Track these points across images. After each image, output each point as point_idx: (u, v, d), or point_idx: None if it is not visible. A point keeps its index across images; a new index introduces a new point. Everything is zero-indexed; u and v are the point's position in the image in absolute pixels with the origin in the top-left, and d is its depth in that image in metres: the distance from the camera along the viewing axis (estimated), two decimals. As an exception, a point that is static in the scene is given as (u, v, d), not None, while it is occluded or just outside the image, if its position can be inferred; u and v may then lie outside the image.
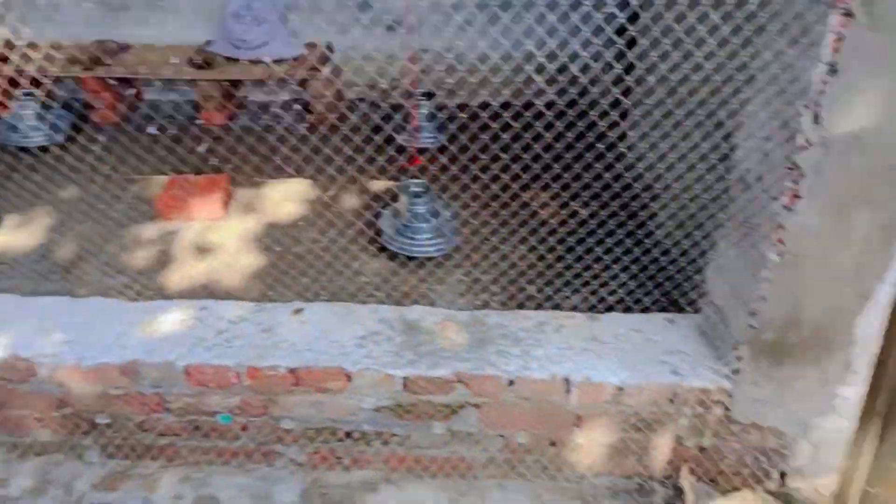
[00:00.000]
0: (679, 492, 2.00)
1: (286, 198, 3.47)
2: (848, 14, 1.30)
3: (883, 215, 1.50)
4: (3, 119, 3.90)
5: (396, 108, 4.09)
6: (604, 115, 2.47)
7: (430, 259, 2.93)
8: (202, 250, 3.07)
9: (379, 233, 3.01)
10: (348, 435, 2.04)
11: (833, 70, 1.36)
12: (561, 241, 2.87)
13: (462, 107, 4.22)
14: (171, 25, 4.55)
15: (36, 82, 4.29)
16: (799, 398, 1.81)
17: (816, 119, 1.43)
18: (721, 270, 1.90)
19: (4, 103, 4.17)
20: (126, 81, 4.43)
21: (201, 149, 3.72)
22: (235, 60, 4.24)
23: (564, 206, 3.21)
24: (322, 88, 4.17)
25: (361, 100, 4.51)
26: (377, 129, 3.78)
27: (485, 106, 3.82)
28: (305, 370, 1.94)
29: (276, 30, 4.29)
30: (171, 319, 2.09)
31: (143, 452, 2.11)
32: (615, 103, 4.04)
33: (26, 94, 3.84)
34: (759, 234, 1.67)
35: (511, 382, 1.89)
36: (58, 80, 4.43)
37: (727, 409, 1.88)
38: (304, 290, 2.78)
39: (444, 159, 2.92)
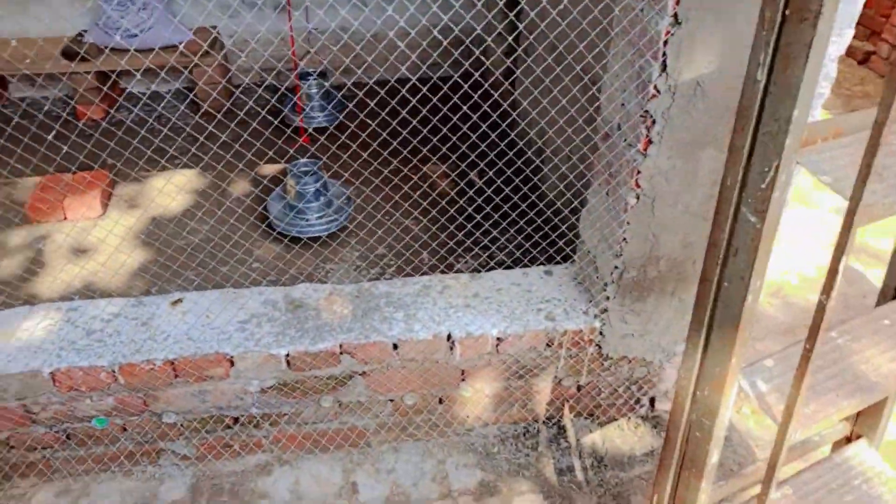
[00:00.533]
0: (562, 430, 2.06)
1: (172, 190, 3.31)
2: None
3: (725, 154, 1.55)
4: None
5: (291, 90, 3.97)
6: (497, 85, 2.48)
7: (319, 238, 2.86)
8: (78, 252, 2.90)
9: (267, 216, 2.92)
10: (236, 421, 1.98)
11: (676, 21, 1.39)
12: (457, 209, 2.86)
13: (359, 85, 4.14)
14: (47, 15, 4.24)
15: None
16: (661, 329, 1.91)
17: (664, 68, 1.46)
18: (591, 219, 1.93)
19: None
20: (-8, 79, 4.12)
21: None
22: (116, 50, 4.00)
23: (462, 175, 3.21)
24: (214, 74, 3.99)
25: (252, 82, 4.36)
26: (273, 114, 3.67)
27: (382, 83, 3.76)
28: (184, 360, 1.85)
29: (159, 15, 4.07)
30: (35, 325, 1.95)
31: (10, 472, 1.97)
32: (507, 73, 4.07)
33: None
34: (620, 180, 1.71)
35: (395, 346, 1.88)
36: None
37: (599, 346, 1.94)
38: (189, 283, 2.67)
39: (341, 138, 2.85)
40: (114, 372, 1.84)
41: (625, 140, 1.68)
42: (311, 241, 2.86)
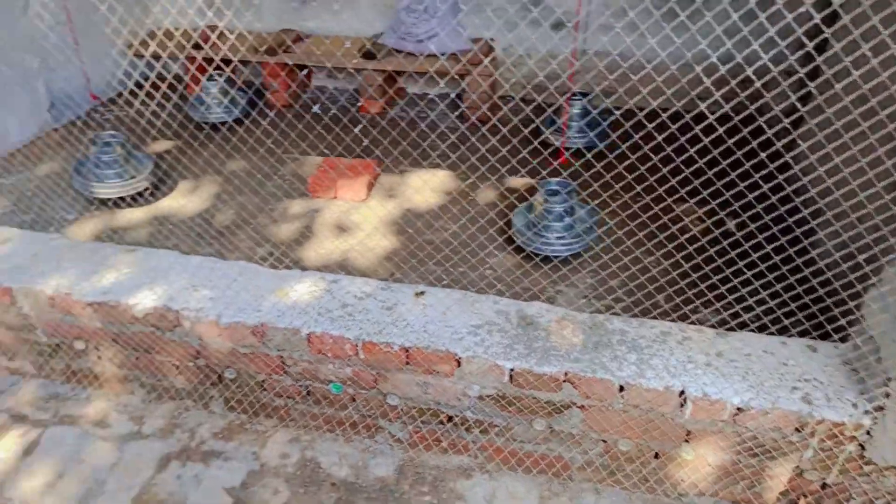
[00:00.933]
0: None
1: (427, 186, 3.55)
2: None
3: None
4: (192, 96, 4.36)
5: (552, 105, 4.04)
6: (774, 122, 2.25)
7: (558, 258, 2.85)
8: (341, 229, 3.23)
9: (510, 227, 2.98)
10: (450, 419, 2.04)
11: None
12: (705, 258, 2.66)
13: (622, 109, 4.07)
14: (349, 18, 4.84)
15: (226, 64, 4.78)
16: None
17: None
18: (883, 299, 1.65)
19: (196, 82, 4.67)
20: (300, 67, 4.79)
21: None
22: (402, 52, 4.42)
23: (718, 223, 2.98)
24: (480, 82, 4.21)
25: (520, 98, 4.51)
26: (529, 126, 3.76)
27: (643, 108, 3.66)
28: (418, 350, 1.96)
29: (444, 23, 4.40)
30: (303, 289, 2.20)
31: (259, 410, 2.26)
32: (790, 110, 3.68)
33: (215, 74, 4.27)
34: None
35: (622, 388, 1.79)
36: (243, 63, 4.89)
37: (862, 447, 1.64)
38: (429, 274, 2.83)
39: (593, 159, 2.82)
40: (357, 346, 2.00)
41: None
42: (547, 259, 2.86)
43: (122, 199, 3.42)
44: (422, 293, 2.17)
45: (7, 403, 2.39)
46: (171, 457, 2.17)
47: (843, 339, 1.84)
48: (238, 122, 4.34)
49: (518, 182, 3.57)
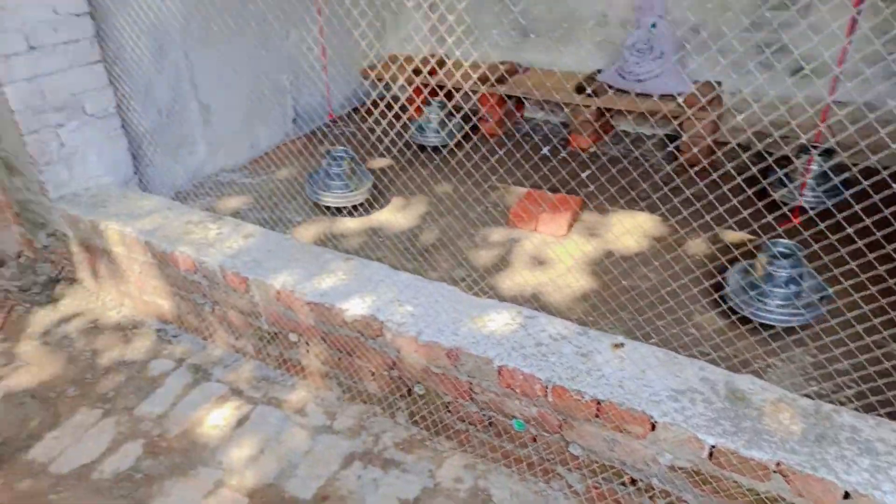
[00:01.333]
0: None
1: (630, 230, 3.42)
2: None
3: None
4: (415, 121, 4.66)
5: (781, 160, 3.72)
6: None
7: (776, 328, 2.58)
8: (538, 261, 3.22)
9: (722, 286, 2.76)
10: (633, 482, 1.92)
11: None
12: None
13: (867, 170, 3.63)
14: (568, 53, 4.89)
15: (447, 93, 5.06)
16: None
17: None
18: None
19: (420, 108, 4.98)
20: (517, 100, 4.91)
21: (546, 150, 3.90)
22: (621, 91, 4.35)
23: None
24: (703, 130, 4.00)
25: (742, 145, 4.22)
26: (751, 181, 3.48)
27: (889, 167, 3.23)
28: (610, 405, 1.87)
29: (667, 63, 4.26)
30: (499, 320, 2.22)
31: (441, 430, 2.30)
32: None
33: (436, 103, 4.53)
34: None
35: (847, 496, 1.55)
36: (459, 91, 5.13)
37: None
38: (621, 324, 2.71)
39: (825, 224, 2.52)
40: (547, 388, 1.97)
41: None
42: (763, 327, 2.59)
43: (342, 208, 3.73)
44: (621, 345, 2.08)
45: (229, 377, 2.70)
46: (355, 456, 2.30)
47: None
48: (455, 147, 4.55)
49: (733, 237, 3.30)
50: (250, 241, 2.81)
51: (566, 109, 4.75)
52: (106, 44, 3.33)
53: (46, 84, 3.05)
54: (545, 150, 4.48)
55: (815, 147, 3.45)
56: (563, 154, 4.42)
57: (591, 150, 4.50)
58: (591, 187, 3.67)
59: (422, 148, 4.52)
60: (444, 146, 4.51)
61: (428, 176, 4.11)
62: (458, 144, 4.58)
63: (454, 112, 4.68)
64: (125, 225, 2.93)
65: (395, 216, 3.71)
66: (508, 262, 3.24)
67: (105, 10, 3.32)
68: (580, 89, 4.45)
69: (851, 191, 2.00)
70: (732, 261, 2.96)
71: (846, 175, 2.40)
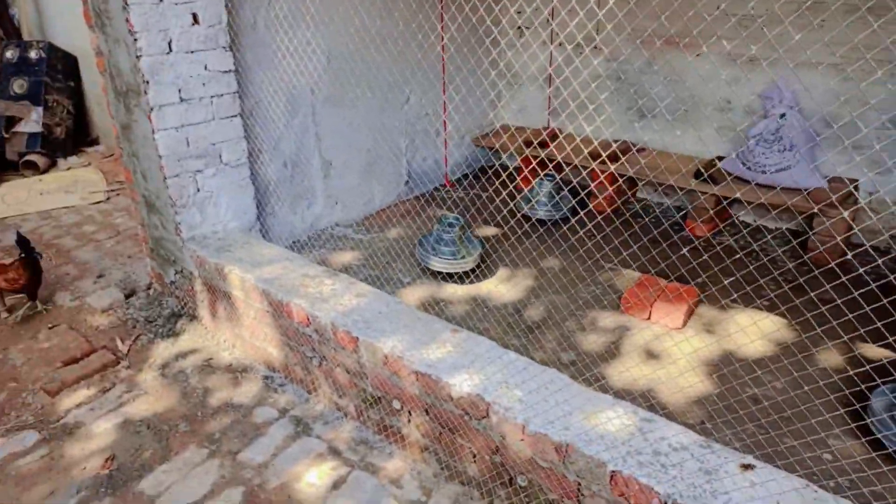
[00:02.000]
0: None
1: (754, 329, 3.21)
2: None
3: None
4: (525, 191, 4.67)
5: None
6: None
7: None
8: (651, 354, 3.06)
9: (865, 408, 2.51)
10: None
11: None
12: None
13: None
14: (686, 136, 4.79)
15: (556, 165, 5.05)
16: None
17: None
18: None
19: (530, 178, 4.99)
20: (630, 179, 4.83)
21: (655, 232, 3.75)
22: (741, 180, 4.19)
23: None
24: (832, 229, 3.77)
25: (882, 252, 3.92)
26: (889, 288, 3.22)
27: None
28: (735, 534, 1.70)
29: (800, 157, 4.08)
30: (613, 419, 2.10)
31: (545, 526, 2.18)
32: None
33: (546, 176, 4.52)
34: None
35: None
36: (574, 167, 5.11)
37: None
38: (748, 436, 2.50)
39: None
40: (665, 502, 1.82)
41: None
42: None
43: (450, 274, 3.74)
44: (750, 467, 1.91)
45: (329, 434, 2.69)
46: (446, 542, 2.20)
47: None
48: (563, 221, 4.50)
49: (876, 353, 3.02)
50: (362, 300, 2.84)
51: (681, 193, 4.61)
52: (245, 99, 3.56)
53: (192, 133, 3.28)
54: (655, 233, 4.35)
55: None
56: (675, 238, 4.26)
57: (713, 239, 4.32)
58: (703, 277, 3.49)
59: (528, 220, 4.50)
60: (552, 220, 4.47)
61: (534, 249, 4.06)
62: (567, 220, 4.52)
63: (563, 186, 4.65)
64: (247, 271, 3.05)
65: (500, 287, 3.67)
66: (619, 350, 3.10)
67: (246, 68, 3.56)
68: (697, 174, 4.32)
69: None
70: (873, 384, 2.69)
71: None
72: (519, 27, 5.55)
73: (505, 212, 4.51)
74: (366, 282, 3.65)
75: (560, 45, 5.30)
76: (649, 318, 3.34)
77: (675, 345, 3.09)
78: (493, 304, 3.51)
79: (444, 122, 4.80)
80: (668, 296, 3.36)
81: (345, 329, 2.63)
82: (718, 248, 4.12)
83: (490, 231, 4.41)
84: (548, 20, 5.24)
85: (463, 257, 3.68)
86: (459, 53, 4.86)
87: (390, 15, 4.33)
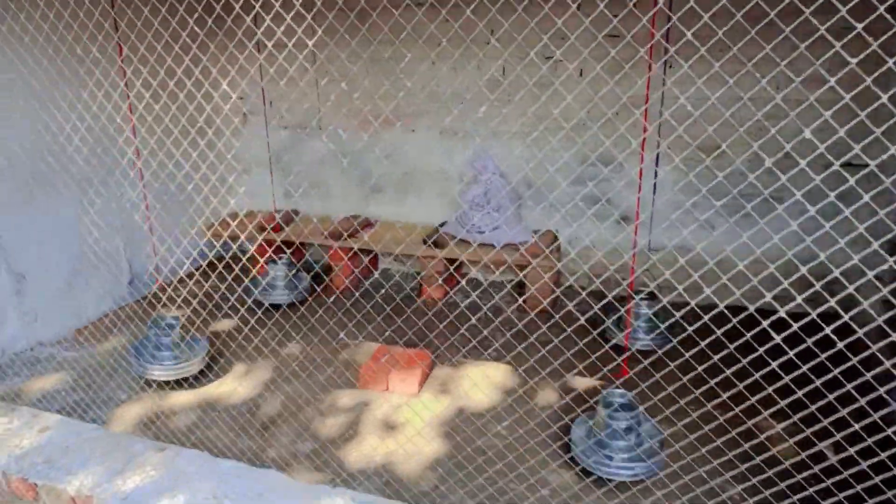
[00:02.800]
0: None
1: (482, 383, 3.36)
2: None
3: None
4: (260, 279, 4.49)
5: (620, 301, 3.90)
6: (870, 336, 2.01)
7: (625, 483, 2.53)
8: (389, 426, 3.04)
9: (569, 442, 2.72)
10: None
11: None
12: (797, 490, 2.28)
13: (687, 310, 3.88)
14: (414, 206, 5.04)
15: (291, 247, 4.97)
16: None
17: None
18: None
19: (263, 265, 4.83)
20: (365, 252, 4.91)
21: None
22: (465, 242, 4.48)
23: (806, 444, 2.61)
24: (542, 273, 4.16)
25: (585, 292, 4.41)
26: (594, 324, 3.60)
27: (711, 308, 3.46)
28: None
29: (508, 217, 4.48)
30: (330, 507, 2.00)
31: None
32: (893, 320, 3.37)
33: (279, 258, 4.42)
34: None
35: None
36: (307, 246, 5.07)
37: None
38: (479, 491, 2.55)
39: (654, 367, 2.58)
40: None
41: None
42: (618, 488, 2.53)
43: (174, 381, 3.39)
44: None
45: None
46: None
47: None
48: (301, 303, 4.39)
49: (581, 383, 3.33)
50: (46, 435, 2.42)
51: (413, 260, 4.81)
52: None
53: None
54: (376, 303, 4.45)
55: (651, 296, 3.67)
56: (419, 303, 4.40)
57: (445, 299, 4.52)
58: (437, 339, 3.62)
59: (265, 306, 4.32)
60: (291, 304, 4.35)
61: (272, 337, 3.89)
62: (305, 301, 4.44)
63: (295, 265, 4.59)
64: None
65: (235, 386, 3.42)
66: (357, 429, 3.03)
67: None
68: (425, 241, 4.54)
69: (684, 334, 2.06)
70: (576, 415, 2.94)
71: (672, 320, 2.51)
72: (244, 113, 5.49)
73: (233, 301, 4.28)
74: (71, 408, 3.16)
75: (286, 128, 5.33)
76: (387, 389, 3.34)
77: (412, 413, 3.11)
78: (224, 405, 3.24)
79: (149, 216, 4.48)
80: (405, 364, 3.40)
81: (20, 476, 2.21)
82: (452, 308, 4.32)
83: (225, 325, 4.15)
84: (271, 104, 5.25)
85: (187, 360, 3.37)
86: (177, 145, 4.62)
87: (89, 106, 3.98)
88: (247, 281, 4.04)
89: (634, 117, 3.90)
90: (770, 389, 1.84)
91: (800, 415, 2.01)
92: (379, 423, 3.07)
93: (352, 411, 3.18)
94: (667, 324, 3.52)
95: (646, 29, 3.73)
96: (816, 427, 2.01)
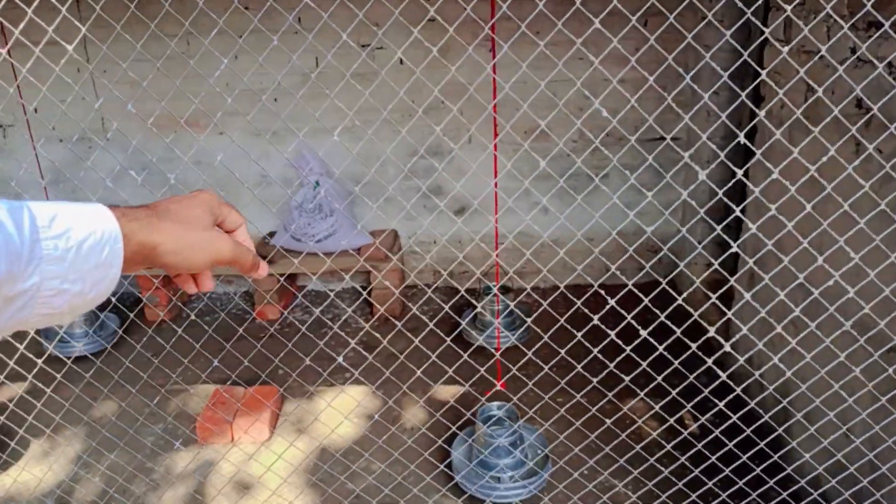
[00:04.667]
0: None
1: (343, 412, 3.03)
2: None
3: None
4: (53, 327, 3.72)
5: (470, 303, 3.75)
6: (702, 299, 2.02)
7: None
8: (242, 486, 2.62)
9: (450, 468, 2.50)
10: None
11: None
12: (670, 463, 2.28)
13: (543, 293, 3.85)
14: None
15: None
16: None
17: None
18: None
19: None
20: (191, 276, 4.29)
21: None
22: (298, 252, 4.06)
23: (671, 415, 2.65)
24: (389, 277, 3.90)
25: (428, 286, 4.22)
26: (451, 325, 3.42)
27: (556, 289, 3.45)
28: None
29: (342, 220, 4.14)
30: None
31: None
32: (716, 283, 3.59)
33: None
34: None
35: None
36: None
37: None
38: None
39: (519, 364, 2.43)
40: None
41: None
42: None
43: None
44: None
45: None
46: None
47: None
48: (113, 348, 3.71)
49: (446, 391, 3.14)
50: None
51: (242, 278, 4.31)
52: None
53: None
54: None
55: (505, 288, 3.56)
56: (254, 327, 3.92)
57: (282, 318, 4.10)
58: (282, 367, 3.21)
59: (65, 361, 3.59)
60: (99, 352, 3.65)
61: (78, 399, 3.21)
62: (119, 345, 3.76)
63: (106, 307, 3.89)
64: None
65: (35, 470, 2.76)
66: (203, 497, 2.57)
67: None
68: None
69: (538, 322, 1.91)
70: (452, 434, 2.74)
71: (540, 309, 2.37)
72: (1, 126, 4.54)
73: (17, 357, 3.50)
74: None
75: (62, 140, 4.49)
76: (233, 440, 2.89)
77: (265, 464, 2.70)
78: (26, 500, 2.59)
79: None
80: (248, 407, 2.97)
81: None
82: (294, 328, 3.91)
83: (12, 391, 3.37)
84: (35, 111, 4.36)
85: (-39, 452, 2.64)
86: None
87: None
88: (32, 332, 3.29)
89: (460, 103, 3.75)
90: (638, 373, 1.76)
91: (651, 387, 1.97)
92: (230, 484, 2.63)
93: (193, 476, 2.70)
94: (533, 316, 3.44)
95: (468, 14, 3.58)
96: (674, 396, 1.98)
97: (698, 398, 2.09)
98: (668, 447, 2.24)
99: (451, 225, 4.19)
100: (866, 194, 1.50)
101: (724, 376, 1.78)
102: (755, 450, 1.98)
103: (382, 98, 3.97)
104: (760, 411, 2.03)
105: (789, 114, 2.48)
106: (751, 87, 1.64)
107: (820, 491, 2.15)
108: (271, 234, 4.35)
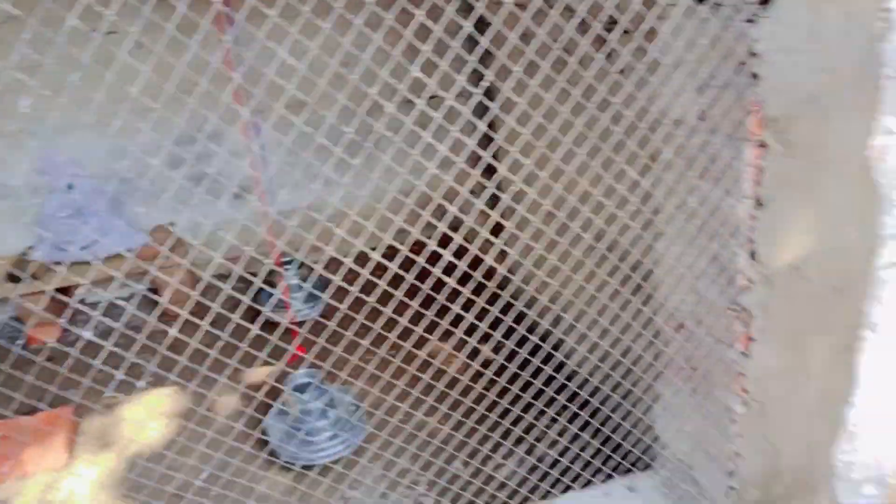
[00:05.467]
0: None
1: (147, 418, 2.91)
2: (763, 145, 1.19)
3: (837, 339, 1.37)
4: None
5: (265, 283, 3.72)
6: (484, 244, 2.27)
7: (337, 462, 2.49)
8: (46, 521, 2.43)
9: (266, 439, 2.55)
10: None
11: (759, 203, 1.24)
12: (477, 399, 2.56)
13: (335, 265, 3.94)
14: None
15: None
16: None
17: (753, 256, 1.29)
18: (675, 422, 1.69)
19: None
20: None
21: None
22: (63, 263, 3.70)
23: (474, 354, 2.93)
24: (176, 274, 3.73)
25: (222, 276, 4.10)
26: (248, 307, 3.38)
27: (357, 259, 3.57)
28: None
29: (108, 222, 3.83)
30: None
31: None
32: (496, 228, 3.94)
33: None
34: (715, 381, 1.49)
35: None
36: None
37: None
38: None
39: (322, 331, 2.51)
40: None
41: (712, 335, 1.47)
42: (321, 466, 2.47)
43: None
44: None
45: None
46: None
47: (647, 466, 1.84)
48: None
49: (256, 374, 3.14)
50: None
51: (4, 303, 3.85)
52: None
53: None
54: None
55: (290, 262, 3.59)
56: (30, 355, 3.54)
57: (66, 337, 3.74)
58: (71, 389, 2.98)
59: None
60: None
61: None
62: None
63: None
64: None
65: None
66: (0, 543, 2.35)
67: None
68: (14, 278, 3.64)
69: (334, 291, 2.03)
70: (264, 405, 2.78)
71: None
72: None
73: None
74: None
75: None
76: (27, 473, 2.64)
77: (69, 487, 2.53)
78: None
79: None
80: (37, 436, 2.72)
81: None
82: (77, 345, 3.60)
83: None
84: None
85: None
86: None
87: None
88: None
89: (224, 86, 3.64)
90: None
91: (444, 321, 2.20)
92: (30, 522, 2.43)
93: (-16, 524, 2.44)
94: (331, 289, 3.53)
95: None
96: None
97: (489, 322, 2.33)
98: (464, 378, 2.50)
99: (234, 211, 4.09)
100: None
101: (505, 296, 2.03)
102: (541, 352, 2.26)
103: (133, 85, 3.71)
104: (539, 320, 2.35)
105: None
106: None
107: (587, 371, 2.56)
108: (30, 249, 3.90)
